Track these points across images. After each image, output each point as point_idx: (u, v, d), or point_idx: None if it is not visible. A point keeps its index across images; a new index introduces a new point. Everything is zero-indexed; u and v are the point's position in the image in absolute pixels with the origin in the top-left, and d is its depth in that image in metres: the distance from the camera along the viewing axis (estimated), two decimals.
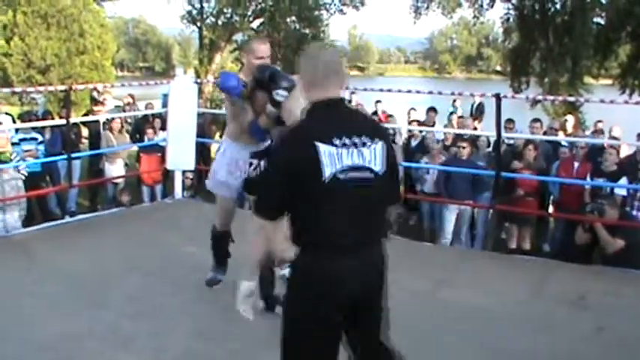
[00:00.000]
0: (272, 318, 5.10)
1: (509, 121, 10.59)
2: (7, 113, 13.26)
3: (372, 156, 2.99)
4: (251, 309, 3.29)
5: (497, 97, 7.36)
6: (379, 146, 3.03)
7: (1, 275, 5.94)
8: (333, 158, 2.91)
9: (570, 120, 11.89)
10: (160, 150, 10.44)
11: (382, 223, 3.18)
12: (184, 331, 4.88)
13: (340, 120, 3.06)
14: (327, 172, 2.89)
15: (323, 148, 2.90)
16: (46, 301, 5.39)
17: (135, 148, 11.94)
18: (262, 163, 5.07)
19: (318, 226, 2.96)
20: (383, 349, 3.27)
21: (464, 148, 9.20)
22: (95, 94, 13.53)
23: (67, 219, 9.39)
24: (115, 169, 11.17)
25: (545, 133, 10.43)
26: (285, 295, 3.13)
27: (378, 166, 3.00)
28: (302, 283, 3.03)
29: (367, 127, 3.10)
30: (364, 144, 2.99)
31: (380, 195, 3.06)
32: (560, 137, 10.49)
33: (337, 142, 2.93)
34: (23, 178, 8.58)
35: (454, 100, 15.55)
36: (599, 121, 11.61)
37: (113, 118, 11.41)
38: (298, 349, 3.08)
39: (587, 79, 21.89)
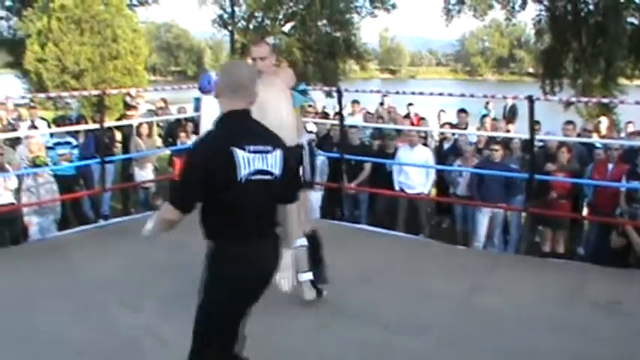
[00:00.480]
0: (307, 328, 5.13)
1: (536, 122, 10.49)
2: (42, 118, 13.43)
3: (274, 162, 3.59)
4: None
5: (530, 100, 7.31)
6: (278, 153, 3.63)
7: (35, 278, 6.00)
8: (246, 162, 3.48)
9: (604, 121, 11.76)
10: None
11: (275, 218, 3.75)
12: None
13: (248, 129, 3.63)
14: (241, 173, 3.46)
15: (238, 153, 3.46)
16: (81, 304, 5.44)
17: (167, 152, 12.00)
18: None
19: (232, 218, 3.54)
20: None
21: (496, 150, 9.13)
22: (128, 98, 13.63)
23: (101, 222, 9.48)
24: (145, 174, 11.22)
25: (579, 135, 10.33)
26: (207, 273, 3.62)
27: (277, 170, 3.61)
28: (223, 266, 3.58)
29: (269, 137, 3.69)
30: (267, 151, 3.58)
31: (278, 194, 3.68)
32: (595, 139, 10.38)
33: (248, 148, 3.50)
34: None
35: (487, 103, 15.46)
36: (630, 122, 11.48)
37: (141, 123, 11.46)
38: (222, 316, 3.67)
39: (621, 80, 21.69)
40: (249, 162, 3.48)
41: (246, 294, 3.68)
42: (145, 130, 11.35)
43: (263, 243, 3.64)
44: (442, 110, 13.64)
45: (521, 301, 5.68)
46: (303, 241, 5.57)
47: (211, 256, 3.62)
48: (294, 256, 4.06)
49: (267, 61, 5.53)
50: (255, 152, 3.52)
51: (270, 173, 3.58)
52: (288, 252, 4.08)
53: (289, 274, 4.15)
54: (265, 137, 3.64)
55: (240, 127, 3.61)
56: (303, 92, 5.87)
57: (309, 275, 5.60)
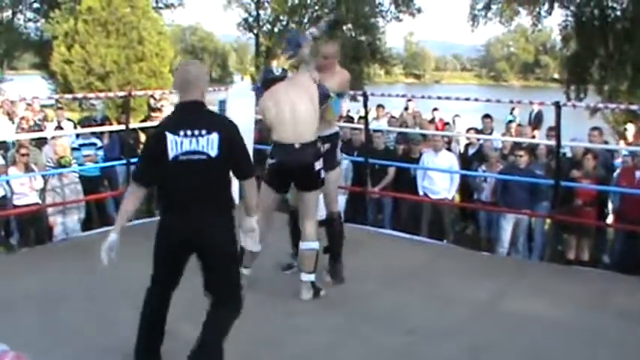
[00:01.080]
0: (332, 331, 5.11)
1: (552, 129, 10.41)
2: (68, 119, 13.53)
3: (208, 143, 4.10)
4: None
5: (557, 106, 7.27)
6: (214, 136, 4.11)
7: (60, 278, 6.04)
8: (176, 145, 4.09)
9: (630, 128, 11.66)
10: None
11: (218, 191, 4.32)
12: (242, 336, 4.88)
13: (187, 117, 4.19)
14: (171, 155, 4.08)
15: (170, 137, 4.08)
16: (106, 304, 5.47)
17: None
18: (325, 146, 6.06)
19: (168, 192, 4.25)
20: (221, 288, 4.42)
21: (521, 156, 9.08)
22: (152, 101, 13.70)
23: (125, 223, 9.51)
24: None
25: (605, 142, 10.24)
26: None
27: (213, 150, 4.11)
28: (159, 229, 4.36)
29: (207, 122, 4.20)
30: (201, 135, 4.10)
31: (216, 172, 4.23)
32: (621, 146, 10.30)
33: (181, 133, 4.09)
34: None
35: (512, 109, 15.39)
36: None
37: None
38: (156, 263, 4.52)
39: None
40: (179, 144, 4.08)
41: (163, 257, 4.43)
42: None
43: (189, 213, 4.18)
44: (457, 115, 13.64)
45: (545, 308, 5.64)
46: (315, 245, 5.81)
47: (158, 222, 4.42)
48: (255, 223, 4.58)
49: (330, 61, 5.99)
50: (187, 136, 4.08)
51: (204, 153, 4.11)
52: (251, 218, 4.54)
53: (253, 235, 4.59)
54: (202, 123, 4.15)
55: (180, 116, 4.25)
56: (340, 95, 6.06)
57: (312, 277, 5.81)
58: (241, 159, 4.36)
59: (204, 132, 4.10)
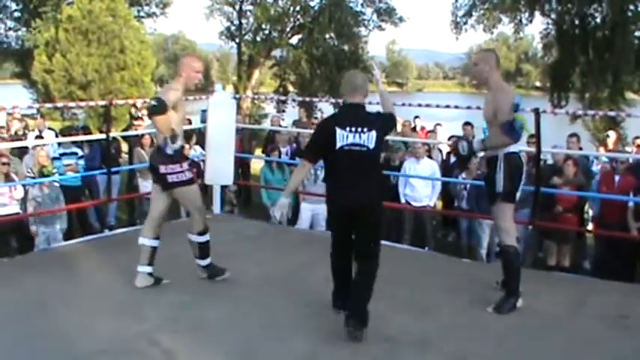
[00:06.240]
0: (310, 339, 5.11)
1: (532, 136, 10.46)
2: (50, 128, 13.49)
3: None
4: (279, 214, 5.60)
5: (537, 112, 7.29)
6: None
7: (41, 288, 6.00)
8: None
9: (612, 135, 11.74)
10: (194, 165, 10.48)
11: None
12: (224, 347, 4.88)
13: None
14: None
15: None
16: (86, 314, 5.43)
17: None
18: None
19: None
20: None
21: None
22: (133, 110, 13.68)
23: (107, 233, 9.48)
24: (149, 185, 11.21)
25: (580, 149, 10.30)
26: None
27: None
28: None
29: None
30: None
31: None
32: (602, 153, 10.37)
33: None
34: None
35: None
36: (638, 137, 11.45)
37: (143, 135, 11.49)
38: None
39: (628, 95, 21.67)
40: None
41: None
42: (147, 140, 11.36)
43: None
44: (438, 123, 13.73)
45: (526, 314, 5.65)
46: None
47: None
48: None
49: (480, 67, 5.82)
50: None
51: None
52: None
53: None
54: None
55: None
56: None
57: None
58: None
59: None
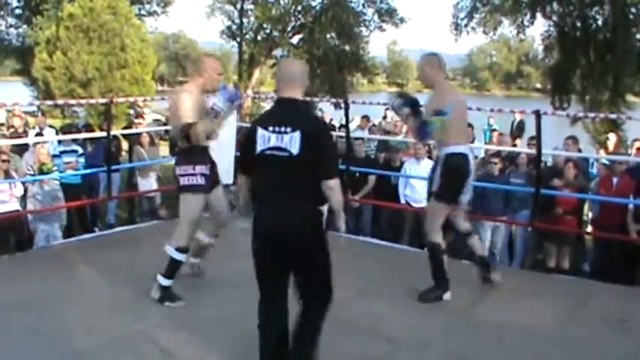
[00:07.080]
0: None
1: (533, 138, 10.45)
2: (51, 126, 13.48)
3: None
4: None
5: (537, 114, 7.29)
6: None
7: (40, 286, 6.00)
8: None
9: (612, 138, 11.73)
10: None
11: None
12: (224, 346, 4.87)
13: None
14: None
15: None
16: (85, 312, 5.43)
17: (173, 161, 12.04)
18: None
19: None
20: None
21: (495, 164, 9.15)
22: (132, 111, 13.67)
23: (107, 231, 9.48)
24: (148, 183, 11.23)
25: (579, 150, 10.30)
26: None
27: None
28: None
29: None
30: None
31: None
32: (602, 155, 10.36)
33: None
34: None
35: (489, 117, 15.44)
36: (636, 140, 11.44)
37: (141, 133, 11.49)
38: None
39: (629, 97, 21.65)
40: None
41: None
42: (146, 139, 11.36)
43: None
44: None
45: (525, 316, 5.65)
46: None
47: None
48: None
49: (426, 70, 6.07)
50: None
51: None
52: None
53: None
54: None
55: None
56: None
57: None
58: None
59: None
